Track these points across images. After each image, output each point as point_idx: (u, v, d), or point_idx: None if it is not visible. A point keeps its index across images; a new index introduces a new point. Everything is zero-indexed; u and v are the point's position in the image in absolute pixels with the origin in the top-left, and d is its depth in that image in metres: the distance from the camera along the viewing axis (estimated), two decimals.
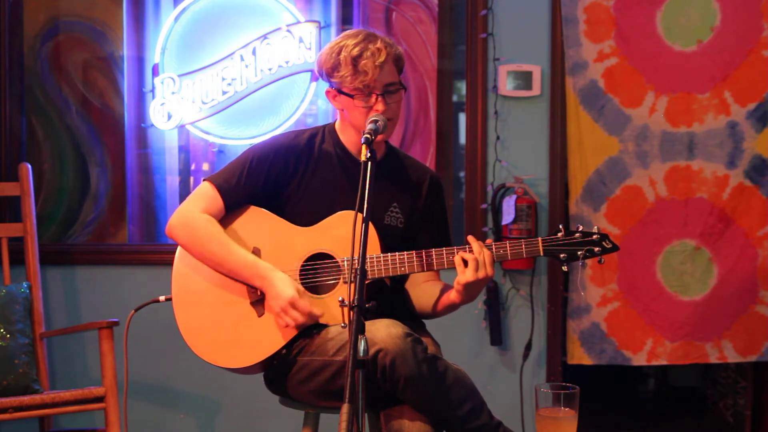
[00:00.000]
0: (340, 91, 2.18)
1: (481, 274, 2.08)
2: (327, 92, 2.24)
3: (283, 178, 2.23)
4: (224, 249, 2.15)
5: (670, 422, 4.24)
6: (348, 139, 2.27)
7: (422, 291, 2.30)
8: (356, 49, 2.13)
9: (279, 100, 3.49)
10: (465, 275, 2.08)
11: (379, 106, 2.14)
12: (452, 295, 2.16)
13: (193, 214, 2.19)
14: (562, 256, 2.13)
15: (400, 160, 2.36)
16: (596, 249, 2.14)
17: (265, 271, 2.12)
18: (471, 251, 2.10)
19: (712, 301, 3.46)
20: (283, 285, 2.09)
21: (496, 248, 2.12)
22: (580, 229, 2.15)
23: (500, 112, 3.48)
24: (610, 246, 2.14)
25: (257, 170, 2.21)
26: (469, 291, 2.12)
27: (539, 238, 2.14)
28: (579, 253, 2.13)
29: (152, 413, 3.49)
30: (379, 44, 2.14)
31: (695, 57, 3.43)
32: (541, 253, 2.13)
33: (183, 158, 3.60)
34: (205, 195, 2.21)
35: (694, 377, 4.68)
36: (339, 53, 2.14)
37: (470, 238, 2.12)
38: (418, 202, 2.33)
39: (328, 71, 2.18)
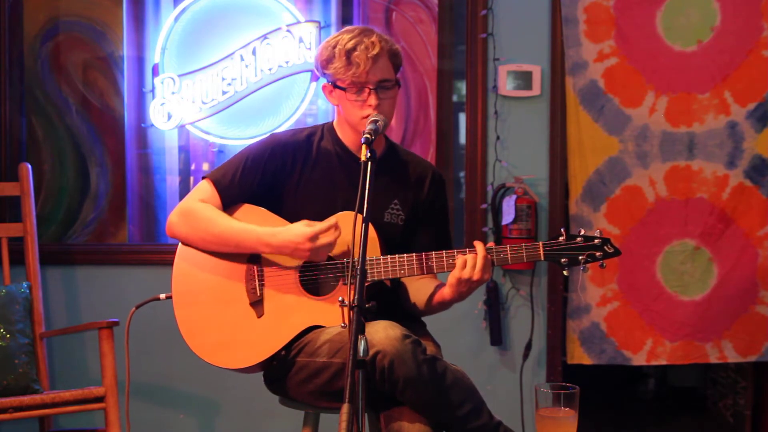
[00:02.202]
0: (335, 86, 2.19)
1: (476, 275, 2.07)
2: (323, 87, 2.25)
3: (280, 176, 2.23)
4: (224, 226, 2.16)
5: (670, 422, 4.25)
6: (347, 136, 2.27)
7: (417, 287, 2.29)
8: (351, 42, 2.14)
9: (279, 100, 3.49)
10: (463, 272, 2.07)
11: (372, 101, 2.14)
12: (445, 291, 2.16)
13: (190, 204, 2.20)
14: (563, 260, 2.12)
15: (401, 157, 2.36)
16: (598, 254, 2.12)
17: (268, 237, 2.12)
18: (474, 253, 2.09)
19: (712, 301, 3.46)
20: (292, 234, 2.08)
21: (496, 252, 2.12)
22: (582, 233, 2.14)
23: (500, 112, 3.48)
24: (611, 250, 2.13)
25: (253, 168, 2.22)
26: (462, 288, 2.11)
27: (540, 243, 2.13)
28: (580, 258, 2.12)
29: (152, 413, 3.49)
30: (374, 38, 2.15)
31: (695, 57, 3.44)
32: (542, 258, 2.12)
33: (183, 158, 3.60)
34: (202, 191, 2.22)
35: (694, 377, 4.69)
36: (335, 47, 2.15)
37: (477, 244, 2.11)
38: (420, 198, 2.32)
39: (322, 64, 2.19)
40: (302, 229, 2.09)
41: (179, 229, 2.21)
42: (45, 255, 3.31)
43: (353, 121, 2.19)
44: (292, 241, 2.09)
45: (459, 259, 2.08)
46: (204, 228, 2.17)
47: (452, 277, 2.10)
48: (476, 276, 2.08)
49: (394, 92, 2.20)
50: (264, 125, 3.49)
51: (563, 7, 3.41)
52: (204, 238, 2.18)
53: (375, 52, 2.13)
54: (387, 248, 2.18)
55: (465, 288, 2.10)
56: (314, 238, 2.07)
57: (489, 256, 2.10)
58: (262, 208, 2.23)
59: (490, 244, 2.14)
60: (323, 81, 2.25)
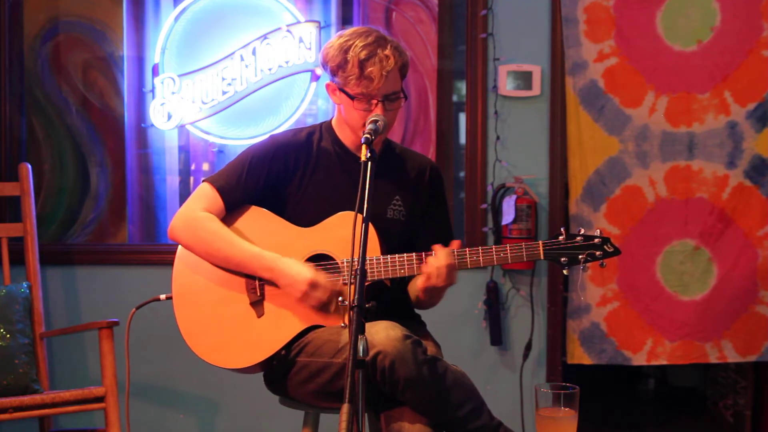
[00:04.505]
0: (341, 89, 2.18)
1: (440, 283, 2.10)
2: (327, 85, 2.23)
3: (283, 177, 2.23)
4: (228, 244, 2.15)
5: (670, 422, 4.25)
6: (346, 136, 2.27)
7: (413, 283, 2.31)
8: (364, 51, 2.10)
9: (279, 100, 3.49)
10: (428, 282, 2.10)
11: (377, 112, 2.14)
12: (420, 294, 2.20)
13: (194, 213, 2.19)
14: (563, 260, 2.12)
15: (398, 154, 2.36)
16: (597, 253, 2.12)
17: (272, 262, 2.12)
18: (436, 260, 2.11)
19: (712, 301, 3.46)
20: (297, 269, 2.10)
21: (496, 251, 2.12)
22: (582, 232, 2.14)
23: (500, 112, 3.48)
24: (611, 250, 2.13)
25: (257, 169, 2.22)
26: (431, 293, 2.15)
27: (540, 242, 2.13)
28: (580, 257, 2.12)
29: (152, 413, 3.49)
30: (388, 50, 2.12)
31: (695, 57, 3.43)
32: (542, 257, 2.13)
33: (183, 158, 3.60)
34: (205, 195, 2.21)
35: (694, 377, 4.69)
36: (347, 52, 2.12)
37: (436, 248, 2.12)
38: (420, 193, 2.33)
39: (333, 68, 2.16)
40: (306, 272, 2.09)
41: (181, 236, 2.21)
42: (45, 255, 3.31)
43: (355, 127, 2.19)
44: (291, 277, 2.09)
45: (423, 274, 2.10)
46: (208, 242, 2.17)
47: (420, 286, 2.13)
48: (440, 283, 2.10)
49: (399, 103, 2.19)
50: (264, 125, 3.49)
51: (563, 7, 3.41)
52: (206, 251, 2.18)
53: (389, 68, 2.11)
54: (390, 244, 2.18)
55: (434, 292, 2.14)
56: (314, 285, 2.08)
57: (451, 261, 2.10)
58: (267, 211, 2.23)
59: (456, 243, 2.14)
60: (326, 79, 2.24)
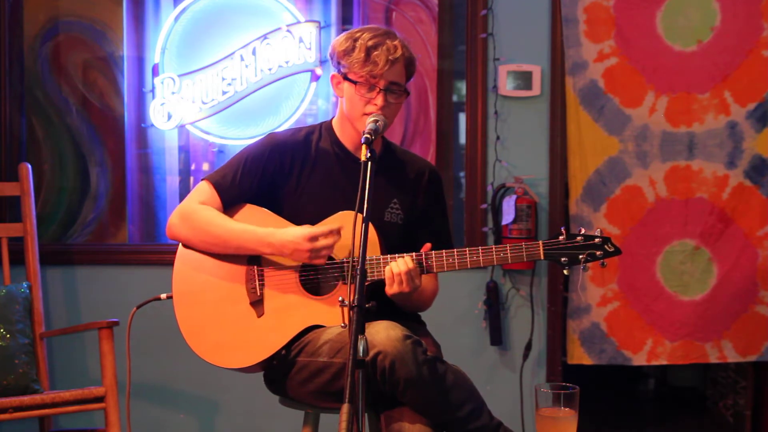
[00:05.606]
0: (345, 77, 2.19)
1: (405, 289, 2.08)
2: (332, 77, 2.25)
3: (279, 176, 2.24)
4: (224, 228, 2.16)
5: (670, 422, 4.25)
6: (345, 136, 2.28)
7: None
8: (373, 40, 2.14)
9: (279, 100, 3.49)
10: (392, 288, 2.09)
11: (379, 101, 2.15)
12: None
13: (190, 207, 2.21)
14: (563, 260, 2.11)
15: (398, 156, 2.36)
16: (598, 253, 2.12)
17: (270, 236, 2.13)
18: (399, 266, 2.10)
19: (712, 301, 3.46)
20: (293, 233, 2.10)
21: (497, 251, 2.12)
22: (582, 232, 2.14)
23: (500, 112, 3.48)
24: (612, 250, 2.12)
25: (253, 168, 2.22)
26: (399, 298, 2.13)
27: (540, 242, 2.13)
28: (581, 257, 2.11)
29: (152, 413, 3.49)
30: (396, 42, 2.16)
31: (695, 57, 3.44)
32: (542, 257, 2.12)
33: (183, 158, 3.60)
34: (202, 192, 2.23)
35: (694, 377, 4.69)
36: (356, 40, 2.16)
37: (400, 258, 2.10)
38: (418, 197, 2.33)
39: (339, 54, 2.19)
40: (302, 230, 2.10)
41: (179, 231, 2.21)
42: (45, 255, 3.31)
43: (355, 117, 2.19)
44: (292, 242, 2.09)
45: (387, 278, 2.09)
46: (205, 230, 2.18)
47: (388, 293, 2.11)
48: (406, 289, 2.09)
49: (401, 99, 2.20)
50: (264, 125, 3.49)
51: (563, 7, 3.41)
52: (205, 239, 2.19)
53: (396, 55, 2.14)
54: (387, 248, 2.18)
55: (402, 297, 2.12)
56: (314, 239, 2.08)
57: (411, 267, 2.08)
58: (264, 209, 2.24)
59: (426, 247, 2.13)
60: (327, 81, 2.25)
